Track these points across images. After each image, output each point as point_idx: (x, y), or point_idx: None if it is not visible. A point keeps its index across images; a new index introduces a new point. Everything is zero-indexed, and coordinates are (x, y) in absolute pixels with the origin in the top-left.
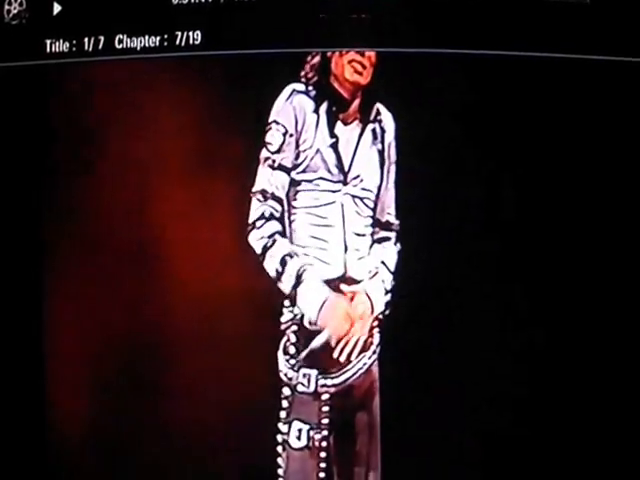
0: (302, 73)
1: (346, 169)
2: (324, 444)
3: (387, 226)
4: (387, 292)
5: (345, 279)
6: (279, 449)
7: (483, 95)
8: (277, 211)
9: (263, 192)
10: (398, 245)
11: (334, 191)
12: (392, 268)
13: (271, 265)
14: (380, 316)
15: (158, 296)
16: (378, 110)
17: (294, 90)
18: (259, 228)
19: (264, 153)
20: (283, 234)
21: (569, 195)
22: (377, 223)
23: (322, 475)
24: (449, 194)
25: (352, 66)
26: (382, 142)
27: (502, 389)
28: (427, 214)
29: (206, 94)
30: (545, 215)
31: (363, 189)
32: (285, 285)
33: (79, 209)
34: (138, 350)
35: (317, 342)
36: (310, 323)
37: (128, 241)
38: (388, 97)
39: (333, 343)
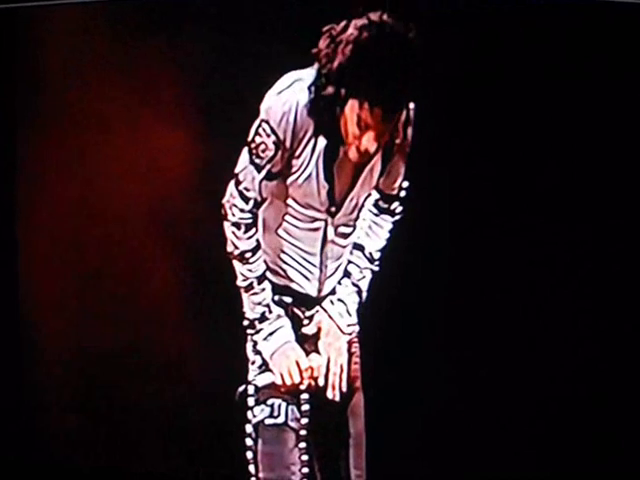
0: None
1: (337, 202)
2: (303, 430)
3: (390, 197)
4: (360, 293)
5: (318, 299)
6: (248, 441)
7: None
8: (254, 216)
9: (245, 192)
10: (400, 209)
11: (319, 219)
12: (376, 255)
13: (240, 273)
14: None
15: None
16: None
17: (296, 90)
18: (236, 233)
19: (251, 147)
20: (257, 249)
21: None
22: (381, 194)
23: (304, 457)
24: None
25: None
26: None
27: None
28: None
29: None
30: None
31: (353, 215)
32: (250, 305)
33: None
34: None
35: (265, 380)
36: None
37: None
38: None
39: (280, 387)
